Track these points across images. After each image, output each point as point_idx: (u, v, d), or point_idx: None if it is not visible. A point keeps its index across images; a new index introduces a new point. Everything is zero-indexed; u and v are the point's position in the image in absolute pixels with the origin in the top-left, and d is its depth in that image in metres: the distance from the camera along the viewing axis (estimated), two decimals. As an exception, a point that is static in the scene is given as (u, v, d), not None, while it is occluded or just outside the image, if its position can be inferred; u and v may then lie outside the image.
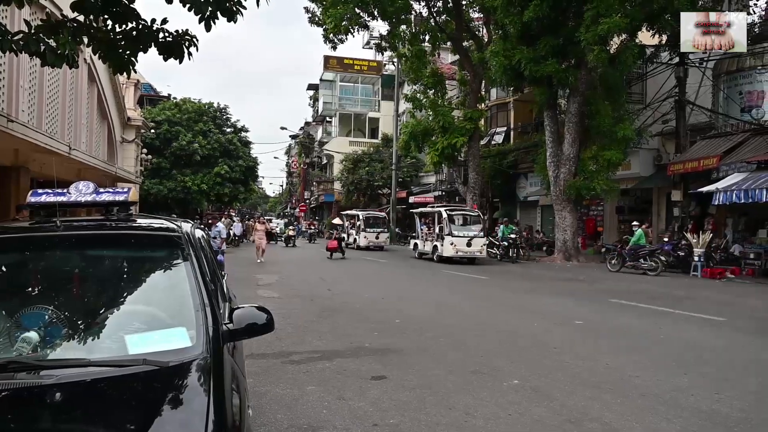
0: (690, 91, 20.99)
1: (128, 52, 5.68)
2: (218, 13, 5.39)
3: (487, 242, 22.40)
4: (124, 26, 5.54)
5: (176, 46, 5.59)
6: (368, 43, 47.01)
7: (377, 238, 29.91)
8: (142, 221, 3.42)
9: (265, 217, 35.07)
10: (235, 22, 5.51)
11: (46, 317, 2.35)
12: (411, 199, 39.42)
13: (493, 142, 32.23)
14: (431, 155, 27.35)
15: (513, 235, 22.86)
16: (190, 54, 5.70)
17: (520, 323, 8.86)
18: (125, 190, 3.19)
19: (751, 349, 7.25)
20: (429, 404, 4.82)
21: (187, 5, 5.33)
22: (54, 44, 5.27)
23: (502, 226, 24.05)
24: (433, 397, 5.00)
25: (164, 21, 5.51)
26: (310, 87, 64.74)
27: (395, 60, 35.02)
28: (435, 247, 22.10)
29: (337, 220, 36.37)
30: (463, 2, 26.71)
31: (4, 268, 2.73)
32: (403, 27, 27.15)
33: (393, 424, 4.37)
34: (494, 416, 4.56)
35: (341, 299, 11.26)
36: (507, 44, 21.46)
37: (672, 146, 21.63)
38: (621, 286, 14.26)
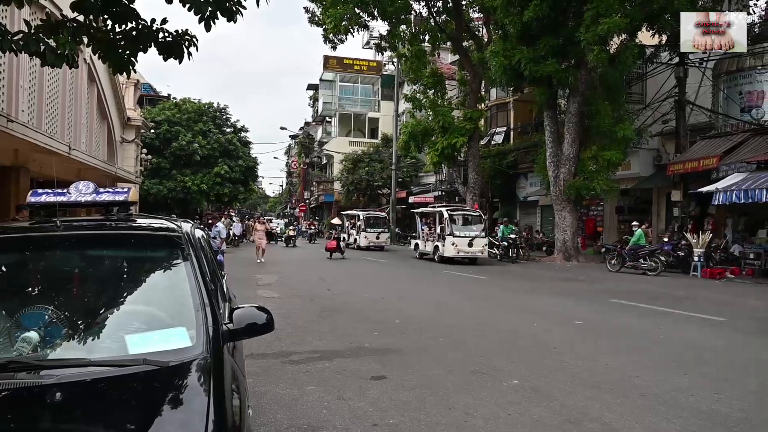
0: (690, 91, 20.99)
1: (128, 52, 5.68)
2: (218, 13, 5.39)
3: (488, 242, 22.38)
4: (123, 26, 5.54)
5: (176, 46, 5.59)
6: (368, 43, 47.00)
7: (378, 238, 29.83)
8: (142, 221, 3.42)
9: (266, 218, 35.05)
10: (235, 22, 5.51)
11: (46, 317, 2.35)
12: (411, 199, 39.41)
13: (492, 142, 32.22)
14: (431, 155, 27.33)
15: (513, 235, 22.87)
16: (190, 54, 5.70)
17: (520, 323, 8.86)
18: (125, 190, 3.19)
19: (751, 349, 7.25)
20: (429, 404, 4.82)
21: (187, 5, 5.33)
22: (54, 44, 5.27)
23: (501, 226, 24.05)
24: (433, 397, 5.00)
25: (164, 21, 5.51)
26: (310, 87, 64.77)
27: (395, 60, 35.02)
28: (436, 247, 22.04)
29: (335, 220, 36.37)
30: (463, 2, 26.70)
31: (4, 268, 2.73)
32: (403, 27, 27.12)
33: (393, 424, 4.37)
34: (494, 416, 4.56)
35: (341, 299, 11.26)
36: (507, 44, 21.45)
37: (672, 146, 21.63)
38: (621, 286, 14.26)
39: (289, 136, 67.01)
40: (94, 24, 5.64)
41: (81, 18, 5.57)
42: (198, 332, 2.32)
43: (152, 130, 32.75)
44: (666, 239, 19.10)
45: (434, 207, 26.12)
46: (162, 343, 2.25)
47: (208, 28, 5.40)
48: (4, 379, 1.98)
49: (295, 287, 13.11)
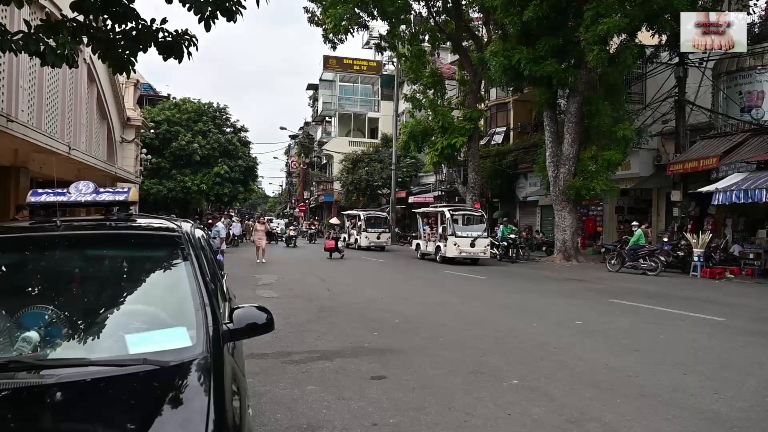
0: (690, 91, 21.01)
1: (128, 51, 5.69)
2: (218, 13, 5.40)
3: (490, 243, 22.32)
4: (123, 26, 5.55)
5: (176, 46, 5.60)
6: (368, 43, 47.04)
7: (378, 238, 29.71)
8: (142, 221, 3.42)
9: (266, 218, 35.05)
10: (234, 22, 5.51)
11: (47, 317, 2.34)
12: (410, 199, 39.41)
13: (492, 142, 32.22)
14: (431, 155, 27.32)
15: (512, 236, 22.85)
16: (189, 54, 5.71)
17: (520, 323, 8.86)
18: (125, 190, 3.19)
19: (750, 349, 7.25)
20: (429, 404, 4.82)
21: (187, 5, 5.34)
22: (54, 44, 5.27)
23: (501, 226, 24.03)
24: (433, 397, 5.00)
25: (164, 21, 5.51)
26: (310, 87, 64.77)
27: (395, 60, 35.03)
28: (438, 247, 21.89)
29: (334, 220, 36.40)
30: (463, 2, 26.70)
31: (4, 268, 2.73)
32: (403, 27, 27.11)
33: (393, 423, 4.37)
34: (494, 416, 4.56)
35: (341, 299, 11.26)
36: (507, 44, 21.44)
37: (672, 146, 21.64)
38: (620, 286, 14.27)
39: (289, 136, 67.10)
40: (94, 24, 5.65)
41: (81, 18, 5.58)
42: (198, 332, 2.32)
43: (152, 130, 32.77)
44: (666, 239, 19.10)
45: (436, 207, 25.96)
46: (162, 343, 2.25)
47: (207, 28, 5.41)
48: (5, 379, 1.98)
49: (295, 287, 13.11)
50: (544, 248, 25.68)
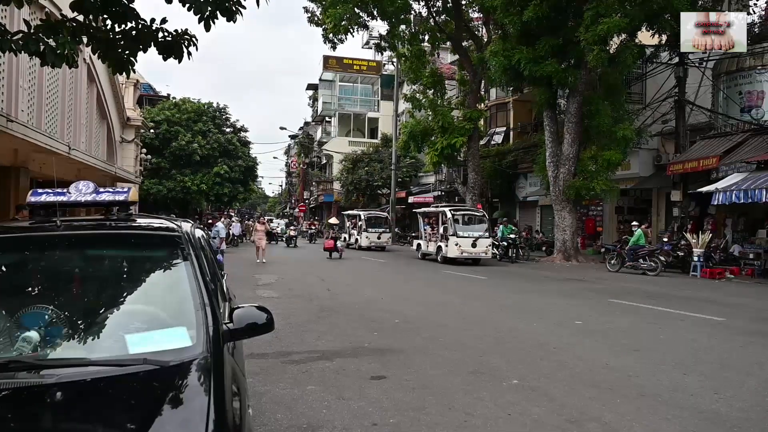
0: (690, 91, 21.01)
1: (127, 51, 5.69)
2: (218, 12, 5.40)
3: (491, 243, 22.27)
4: (123, 26, 5.55)
5: (176, 46, 5.60)
6: (368, 43, 47.09)
7: (379, 238, 29.65)
8: (142, 221, 3.42)
9: (266, 218, 35.06)
10: (234, 22, 5.51)
11: (47, 317, 2.34)
12: (410, 199, 39.43)
13: (492, 142, 32.23)
14: (430, 155, 27.32)
15: (512, 236, 22.84)
16: (189, 54, 5.70)
17: (520, 323, 8.86)
18: (125, 189, 3.19)
19: (750, 349, 7.25)
20: (429, 404, 4.83)
21: (187, 5, 5.33)
22: (53, 44, 5.27)
23: (501, 226, 24.02)
24: (433, 397, 5.00)
25: (164, 20, 5.51)
26: (310, 87, 64.78)
27: (395, 60, 35.04)
28: (439, 247, 21.78)
29: (333, 220, 36.43)
30: (463, 2, 26.71)
31: (4, 268, 2.73)
32: (403, 27, 27.11)
33: (393, 423, 4.37)
34: (494, 416, 4.56)
35: (341, 299, 11.26)
36: (507, 44, 21.45)
37: (671, 146, 21.64)
38: (620, 286, 14.27)
39: (289, 136, 67.13)
40: (94, 24, 5.65)
41: (81, 18, 5.58)
42: (198, 332, 2.32)
43: (152, 130, 32.78)
44: (666, 239, 19.11)
45: (437, 207, 25.85)
46: (162, 343, 2.25)
47: (207, 28, 5.41)
48: (5, 379, 1.98)
49: (295, 287, 13.11)
50: (544, 248, 25.68)
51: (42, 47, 5.23)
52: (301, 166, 67.79)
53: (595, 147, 21.14)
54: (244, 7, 5.52)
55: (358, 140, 50.09)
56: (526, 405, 4.83)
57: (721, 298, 12.32)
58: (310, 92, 66.03)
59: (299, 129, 70.93)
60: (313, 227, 41.12)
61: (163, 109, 36.40)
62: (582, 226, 25.95)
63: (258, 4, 5.44)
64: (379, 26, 30.05)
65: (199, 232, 3.37)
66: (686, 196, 20.25)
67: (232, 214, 45.78)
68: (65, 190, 3.02)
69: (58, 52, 5.24)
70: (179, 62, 5.65)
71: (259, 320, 2.57)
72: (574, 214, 22.64)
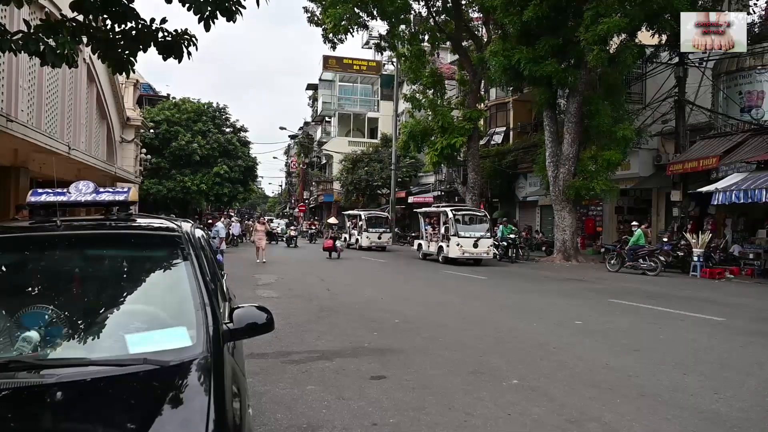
0: (690, 91, 21.01)
1: (127, 51, 5.69)
2: (218, 12, 5.40)
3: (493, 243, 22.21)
4: (123, 26, 5.55)
5: (176, 46, 5.60)
6: (367, 43, 47.11)
7: (379, 238, 29.60)
8: (142, 221, 3.42)
9: (266, 218, 35.06)
10: (234, 22, 5.51)
11: (47, 317, 2.34)
12: (410, 199, 39.43)
13: (492, 142, 32.23)
14: (430, 155, 27.31)
15: (512, 236, 22.83)
16: (189, 53, 5.70)
17: (520, 323, 8.86)
18: (125, 189, 3.19)
19: (750, 349, 7.25)
20: (429, 404, 4.82)
21: (187, 5, 5.33)
22: (53, 44, 5.28)
23: (501, 226, 24.00)
24: (433, 397, 5.00)
25: (163, 20, 5.51)
26: (309, 87, 64.79)
27: (394, 60, 35.04)
28: (440, 248, 21.69)
29: (332, 220, 36.45)
30: (463, 2, 26.71)
31: (4, 268, 2.73)
32: (403, 27, 27.11)
33: (393, 423, 4.37)
34: (494, 416, 4.56)
35: (341, 299, 11.26)
36: (506, 44, 21.45)
37: (671, 146, 21.64)
38: (620, 286, 14.27)
39: (289, 136, 67.17)
40: (94, 24, 5.65)
41: (80, 18, 5.57)
42: (198, 332, 2.32)
43: (151, 130, 32.79)
44: (666, 239, 19.11)
45: (438, 207, 25.76)
46: (162, 343, 2.25)
47: (207, 28, 5.41)
48: (5, 379, 1.98)
49: (295, 287, 13.11)
50: (543, 248, 25.69)
51: (42, 47, 5.23)
52: (301, 166, 67.79)
53: (595, 147, 21.14)
54: (244, 7, 5.52)
55: (357, 140, 50.08)
56: (526, 405, 4.83)
57: (721, 298, 12.32)
58: (310, 92, 66.06)
59: (299, 129, 70.94)
60: (313, 227, 41.13)
61: (162, 109, 36.41)
62: (582, 226, 25.95)
63: (258, 4, 5.44)
64: (379, 26, 30.10)
65: (199, 232, 3.37)
66: (686, 196, 20.25)
67: (232, 214, 45.78)
68: (65, 190, 3.02)
69: (58, 52, 5.24)
70: (179, 62, 5.65)
71: (259, 320, 2.57)
72: (574, 214, 22.64)
